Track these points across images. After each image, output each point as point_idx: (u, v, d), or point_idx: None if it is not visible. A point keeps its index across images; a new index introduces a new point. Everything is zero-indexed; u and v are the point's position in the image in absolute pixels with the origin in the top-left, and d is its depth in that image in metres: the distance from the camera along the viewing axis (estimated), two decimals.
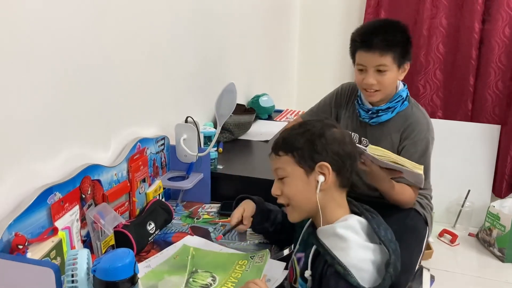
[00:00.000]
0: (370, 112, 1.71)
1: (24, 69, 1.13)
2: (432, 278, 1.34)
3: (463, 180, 2.99)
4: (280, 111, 2.72)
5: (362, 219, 1.15)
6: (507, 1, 2.80)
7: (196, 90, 2.03)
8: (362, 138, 1.75)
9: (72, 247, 1.23)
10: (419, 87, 3.06)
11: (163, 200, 1.63)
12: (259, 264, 1.27)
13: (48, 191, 1.17)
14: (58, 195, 1.20)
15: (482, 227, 2.88)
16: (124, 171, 1.48)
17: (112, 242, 1.33)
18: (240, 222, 1.40)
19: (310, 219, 1.22)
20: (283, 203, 1.21)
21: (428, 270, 1.36)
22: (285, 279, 1.27)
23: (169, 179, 1.70)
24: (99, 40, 1.38)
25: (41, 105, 1.19)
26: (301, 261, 1.20)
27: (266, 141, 2.17)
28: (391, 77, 1.63)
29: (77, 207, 1.27)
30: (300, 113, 2.63)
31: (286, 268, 1.31)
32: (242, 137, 2.20)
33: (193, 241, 1.45)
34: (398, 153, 1.65)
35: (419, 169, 1.44)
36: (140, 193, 1.54)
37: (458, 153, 2.95)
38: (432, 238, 2.86)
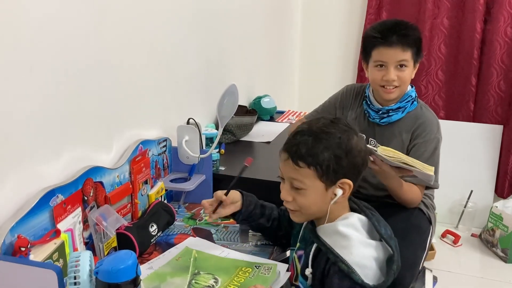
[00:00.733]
0: (380, 112, 1.72)
1: (27, 71, 1.13)
2: (435, 279, 1.34)
3: (466, 181, 2.99)
4: (282, 112, 2.72)
5: (362, 217, 1.14)
6: (509, 1, 2.80)
7: (198, 92, 2.04)
8: (370, 139, 1.75)
9: (75, 249, 1.23)
10: (421, 87, 3.06)
11: (165, 201, 1.63)
12: (266, 276, 1.24)
13: (51, 193, 1.17)
14: (60, 197, 1.20)
15: (485, 227, 2.87)
16: (126, 173, 1.48)
17: (115, 244, 1.33)
18: (220, 203, 1.35)
19: None
20: (291, 209, 1.18)
21: (431, 271, 1.36)
22: None
23: (171, 180, 1.70)
24: (101, 42, 1.38)
25: (43, 107, 1.19)
26: (302, 258, 1.20)
27: (268, 142, 2.17)
28: (409, 73, 1.67)
29: (79, 209, 1.27)
30: (302, 114, 2.63)
31: (288, 270, 1.31)
32: (244, 139, 2.20)
33: (195, 242, 1.44)
34: (408, 152, 1.67)
35: (429, 170, 1.45)
36: (142, 195, 1.55)
37: (460, 154, 2.94)
38: (434, 239, 2.86)
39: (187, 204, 1.73)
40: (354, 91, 1.87)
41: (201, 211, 1.67)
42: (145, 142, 1.57)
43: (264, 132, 2.32)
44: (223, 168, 1.80)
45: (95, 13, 1.34)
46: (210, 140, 1.84)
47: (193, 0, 1.91)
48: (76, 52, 1.28)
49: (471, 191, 2.97)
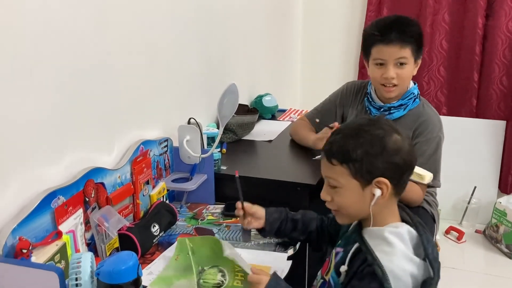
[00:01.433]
0: (381, 110, 1.72)
1: (27, 73, 1.13)
2: None
3: (469, 177, 2.98)
4: (283, 111, 2.71)
5: (412, 230, 1.08)
6: None
7: (198, 91, 2.04)
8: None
9: (77, 250, 1.23)
10: (423, 84, 3.05)
11: (167, 202, 1.64)
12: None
13: (52, 195, 1.17)
14: (61, 199, 1.20)
15: (489, 223, 2.86)
16: (128, 173, 1.48)
17: (117, 244, 1.33)
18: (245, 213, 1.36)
19: None
20: (332, 209, 1.15)
21: None
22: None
23: (173, 180, 1.70)
24: (102, 43, 1.38)
25: (44, 108, 1.20)
26: (339, 255, 1.17)
27: (270, 141, 2.17)
28: (409, 71, 1.66)
29: (81, 211, 1.27)
30: (303, 112, 2.62)
31: (289, 258, 1.32)
32: (246, 137, 2.20)
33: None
34: None
35: (426, 178, 1.45)
36: (144, 195, 1.55)
37: (463, 150, 2.93)
38: (438, 236, 2.85)
39: (189, 204, 1.73)
40: (354, 88, 1.87)
41: (203, 211, 1.67)
42: (146, 143, 1.58)
43: (265, 131, 2.31)
44: (224, 168, 1.80)
45: (95, 14, 1.34)
46: (211, 139, 1.84)
47: (195, 1, 1.91)
48: (77, 53, 1.29)
49: (475, 187, 2.96)
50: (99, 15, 1.36)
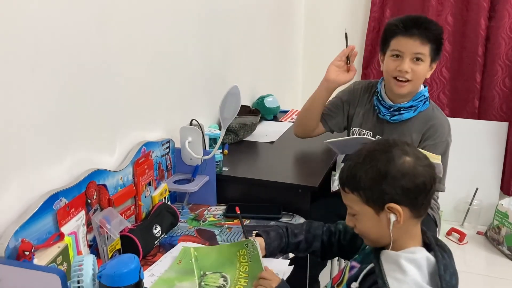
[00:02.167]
0: (391, 110, 1.71)
1: (29, 74, 1.13)
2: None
3: (471, 178, 2.97)
4: (285, 112, 2.71)
5: (430, 257, 1.05)
6: None
7: (200, 93, 2.04)
8: (377, 136, 1.74)
9: (79, 252, 1.24)
10: (425, 84, 3.04)
11: (169, 203, 1.64)
12: (255, 254, 1.26)
13: (54, 197, 1.17)
14: (64, 201, 1.20)
15: (490, 225, 2.86)
16: (130, 175, 1.49)
17: (119, 246, 1.34)
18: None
19: None
20: (358, 233, 1.14)
21: None
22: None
23: (175, 182, 1.70)
24: (104, 44, 1.39)
25: (46, 110, 1.20)
26: (354, 270, 1.16)
27: (272, 142, 2.17)
28: (424, 69, 1.65)
29: (83, 212, 1.27)
30: None
31: (291, 264, 1.32)
32: (248, 139, 2.20)
33: (190, 244, 1.45)
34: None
35: (436, 159, 1.45)
36: (145, 197, 1.55)
37: (465, 151, 2.93)
38: (440, 237, 2.85)
39: (190, 205, 1.73)
40: (362, 87, 1.87)
41: (205, 212, 1.67)
42: (148, 144, 1.58)
43: (267, 132, 2.31)
44: (226, 169, 1.80)
45: (97, 14, 1.34)
46: (213, 140, 1.84)
47: (197, 2, 1.91)
48: (78, 54, 1.29)
49: (477, 189, 2.96)
50: (101, 16, 1.36)
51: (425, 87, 1.74)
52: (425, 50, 1.62)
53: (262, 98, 2.56)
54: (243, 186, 1.77)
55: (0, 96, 1.07)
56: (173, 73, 1.79)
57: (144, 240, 1.37)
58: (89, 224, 1.31)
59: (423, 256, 1.05)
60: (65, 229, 1.19)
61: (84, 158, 1.35)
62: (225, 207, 1.69)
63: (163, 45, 1.70)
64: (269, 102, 2.55)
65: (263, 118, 2.52)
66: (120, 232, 1.33)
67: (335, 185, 1.67)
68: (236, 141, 2.14)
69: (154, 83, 1.68)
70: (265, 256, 1.32)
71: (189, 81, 1.93)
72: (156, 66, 1.68)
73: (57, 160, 1.26)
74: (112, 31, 1.42)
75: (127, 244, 1.34)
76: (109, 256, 1.30)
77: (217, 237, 1.50)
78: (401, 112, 1.70)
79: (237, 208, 1.43)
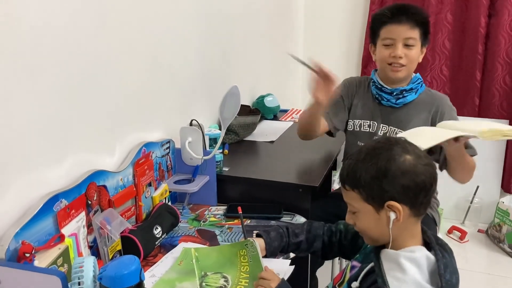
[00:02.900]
0: (394, 94, 1.75)
1: (28, 76, 1.13)
2: None
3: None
4: (285, 111, 2.71)
5: (430, 256, 1.04)
6: None
7: (200, 93, 2.04)
8: (398, 130, 1.76)
9: (79, 254, 1.24)
10: (425, 83, 3.03)
11: (170, 203, 1.64)
12: (254, 254, 1.27)
13: (54, 199, 1.17)
14: (64, 202, 1.20)
15: (491, 223, 2.86)
16: (130, 176, 1.49)
17: (119, 247, 1.34)
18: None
19: None
20: (358, 231, 1.14)
21: None
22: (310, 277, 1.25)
23: (175, 182, 1.70)
24: (103, 45, 1.38)
25: (46, 111, 1.20)
26: (354, 270, 1.16)
27: (272, 142, 2.17)
28: (416, 53, 1.71)
29: (83, 214, 1.27)
30: None
31: (292, 264, 1.32)
32: (248, 138, 2.20)
33: (191, 244, 1.45)
34: None
35: (471, 132, 1.46)
36: (146, 197, 1.55)
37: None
38: (441, 235, 2.85)
39: (191, 205, 1.73)
40: (356, 81, 1.91)
41: (205, 212, 1.67)
42: (148, 145, 1.58)
43: (267, 131, 2.31)
44: (226, 169, 1.80)
45: (96, 16, 1.34)
46: (213, 140, 1.84)
47: (196, 2, 1.91)
48: (78, 55, 1.29)
49: (477, 187, 2.96)
50: (100, 18, 1.36)
51: (417, 73, 1.81)
52: (415, 34, 1.67)
53: (262, 98, 2.56)
54: (243, 186, 1.77)
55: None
56: (173, 73, 1.79)
57: (144, 241, 1.37)
58: (89, 225, 1.31)
59: (423, 255, 1.04)
60: (66, 230, 1.19)
61: (84, 159, 1.35)
62: (225, 207, 1.69)
63: (163, 46, 1.70)
64: (269, 102, 2.55)
65: (263, 118, 2.53)
66: (121, 233, 1.33)
67: (335, 185, 1.68)
68: (236, 140, 2.14)
69: (154, 84, 1.67)
70: (265, 256, 1.32)
71: (189, 81, 1.93)
72: (156, 67, 1.67)
73: (57, 161, 1.26)
74: (112, 32, 1.42)
75: (127, 245, 1.34)
76: (110, 257, 1.30)
77: (218, 237, 1.50)
78: (404, 94, 1.75)
79: (239, 208, 1.42)
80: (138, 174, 1.50)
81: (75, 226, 1.23)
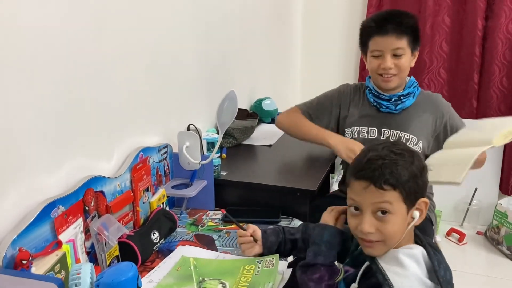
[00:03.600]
0: (393, 100, 1.76)
1: (25, 82, 1.13)
2: None
3: (470, 178, 2.95)
4: None
5: (425, 253, 1.06)
6: None
7: (198, 97, 2.04)
8: (383, 130, 1.76)
9: (77, 260, 1.24)
10: (423, 85, 3.05)
11: (167, 208, 1.64)
12: (270, 269, 1.26)
13: (51, 205, 1.17)
14: (61, 209, 1.20)
15: (490, 225, 2.86)
16: (127, 181, 1.49)
17: (117, 253, 1.34)
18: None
19: None
20: (374, 240, 1.06)
21: None
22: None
23: (173, 187, 1.70)
24: (101, 50, 1.38)
25: (42, 117, 1.19)
26: (349, 273, 1.16)
27: (270, 145, 2.17)
28: (407, 61, 1.71)
29: (80, 220, 1.27)
30: None
31: (289, 266, 1.32)
32: (246, 142, 2.20)
33: (188, 250, 1.44)
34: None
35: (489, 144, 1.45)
36: (143, 203, 1.55)
37: None
38: (439, 238, 2.85)
39: (189, 210, 1.73)
40: (351, 88, 1.91)
41: (203, 217, 1.67)
42: (145, 150, 1.58)
43: (265, 135, 2.31)
44: (224, 173, 1.80)
45: (94, 20, 1.34)
46: (211, 144, 1.84)
47: (193, 6, 1.91)
48: (75, 60, 1.28)
49: (476, 189, 2.96)
50: (97, 22, 1.36)
51: (411, 77, 1.82)
52: (402, 43, 1.67)
53: (260, 101, 2.57)
54: (241, 190, 1.77)
55: None
56: (170, 78, 1.79)
57: (142, 246, 1.37)
58: (87, 231, 1.30)
59: (420, 251, 1.06)
60: (63, 236, 1.19)
61: (81, 165, 1.35)
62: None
63: (159, 50, 1.70)
64: (267, 105, 2.55)
65: (261, 121, 2.53)
66: (118, 238, 1.33)
67: (334, 188, 1.68)
68: (234, 144, 2.14)
69: (151, 88, 1.67)
70: (263, 254, 1.34)
71: (186, 85, 1.93)
72: (152, 71, 1.67)
73: (54, 167, 1.25)
74: (109, 36, 1.42)
75: (125, 251, 1.34)
76: (108, 263, 1.30)
77: (216, 242, 1.50)
78: (402, 100, 1.76)
79: (222, 210, 1.44)
80: (135, 180, 1.50)
81: (73, 232, 1.23)
